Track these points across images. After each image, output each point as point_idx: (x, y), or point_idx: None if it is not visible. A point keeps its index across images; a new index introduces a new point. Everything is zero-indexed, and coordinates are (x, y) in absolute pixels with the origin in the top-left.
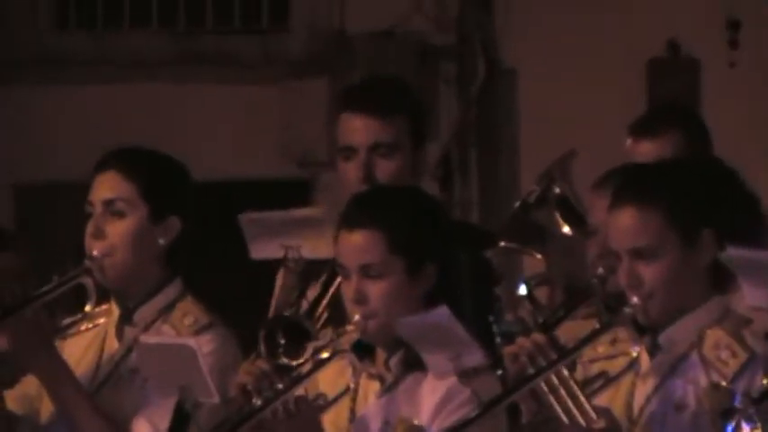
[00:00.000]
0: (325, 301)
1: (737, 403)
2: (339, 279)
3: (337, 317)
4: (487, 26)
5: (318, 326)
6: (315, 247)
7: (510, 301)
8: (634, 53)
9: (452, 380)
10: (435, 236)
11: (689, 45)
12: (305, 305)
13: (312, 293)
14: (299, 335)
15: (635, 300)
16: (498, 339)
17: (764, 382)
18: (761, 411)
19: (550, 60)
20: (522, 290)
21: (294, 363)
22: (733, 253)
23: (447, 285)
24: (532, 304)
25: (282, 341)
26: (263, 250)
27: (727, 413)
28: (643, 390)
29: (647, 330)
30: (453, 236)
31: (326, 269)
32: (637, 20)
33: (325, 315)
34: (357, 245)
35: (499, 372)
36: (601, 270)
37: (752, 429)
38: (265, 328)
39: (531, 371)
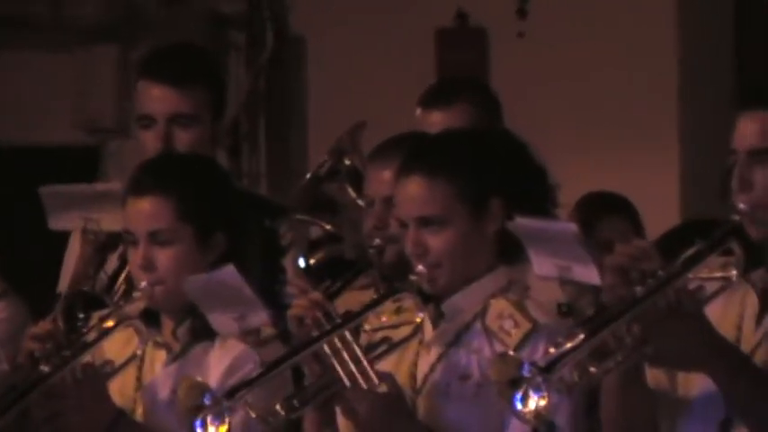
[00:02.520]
0: (123, 275)
1: (525, 372)
2: None
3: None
4: None
5: (117, 299)
6: (114, 221)
7: (293, 273)
8: (422, 23)
9: (241, 347)
10: (225, 205)
11: (477, 15)
12: (103, 278)
13: (111, 266)
14: (98, 309)
15: (420, 268)
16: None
17: (551, 350)
18: (548, 380)
19: (339, 30)
20: (301, 263)
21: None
22: (520, 222)
23: (235, 255)
24: (311, 277)
25: (81, 315)
26: (62, 221)
27: (515, 382)
28: (427, 359)
29: (431, 299)
30: (242, 206)
31: (124, 242)
32: None
33: (124, 288)
34: (145, 211)
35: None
36: (377, 241)
37: (539, 398)
38: (64, 303)
39: (315, 334)
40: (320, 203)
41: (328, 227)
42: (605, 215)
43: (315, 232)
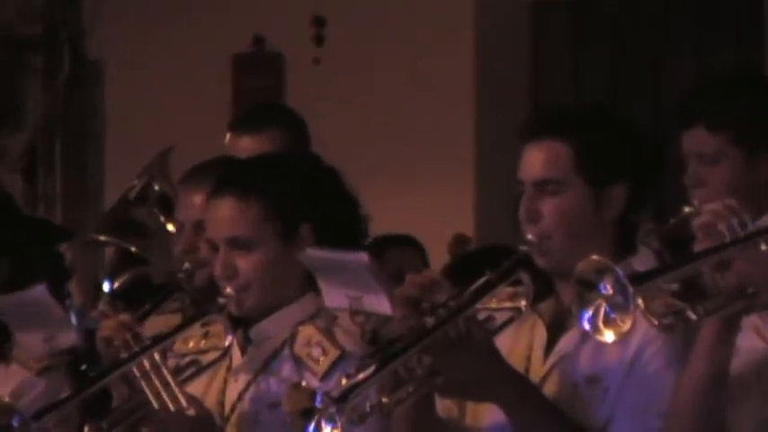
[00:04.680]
0: None
1: (318, 403)
2: None
3: None
4: (75, 17)
5: None
6: None
7: (94, 296)
8: (220, 48)
9: (24, 374)
10: (8, 229)
11: (274, 41)
12: None
13: None
14: None
15: (228, 290)
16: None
17: (343, 381)
18: (342, 411)
19: (137, 54)
20: (106, 286)
21: None
22: (310, 253)
23: (20, 279)
24: (115, 300)
25: None
26: None
27: (307, 413)
28: (235, 386)
29: (240, 324)
30: (28, 230)
31: None
32: (222, 14)
33: None
34: None
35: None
36: (187, 265)
37: (332, 429)
38: None
39: (123, 355)
40: (130, 227)
41: (134, 249)
42: (388, 252)
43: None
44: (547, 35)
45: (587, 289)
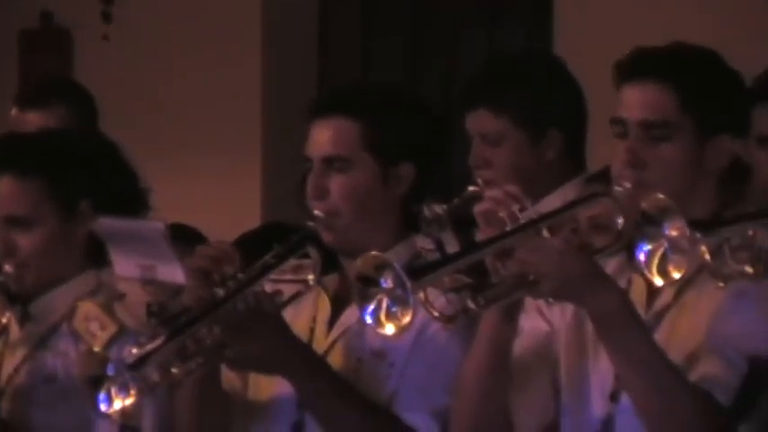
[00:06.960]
0: None
1: (110, 371)
2: None
3: None
4: None
5: None
6: None
7: None
8: (6, 23)
9: None
10: None
11: (62, 16)
12: None
13: None
14: None
15: (7, 268)
16: None
17: (134, 351)
18: (134, 379)
19: None
20: None
21: None
22: (104, 222)
23: None
24: None
25: None
26: None
27: (97, 380)
28: (12, 361)
29: (18, 299)
30: None
31: None
32: None
33: None
34: None
35: None
36: None
37: (125, 398)
38: None
39: None
40: None
41: None
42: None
43: None
44: (336, 20)
45: (367, 284)
